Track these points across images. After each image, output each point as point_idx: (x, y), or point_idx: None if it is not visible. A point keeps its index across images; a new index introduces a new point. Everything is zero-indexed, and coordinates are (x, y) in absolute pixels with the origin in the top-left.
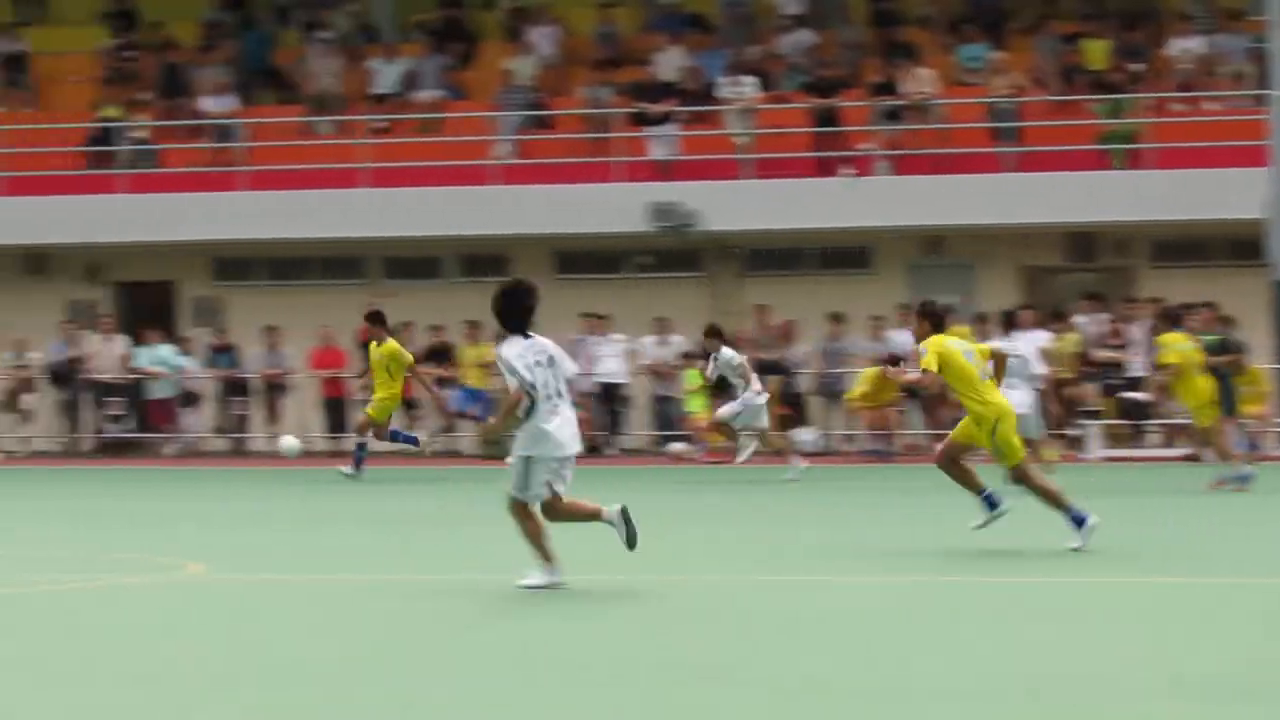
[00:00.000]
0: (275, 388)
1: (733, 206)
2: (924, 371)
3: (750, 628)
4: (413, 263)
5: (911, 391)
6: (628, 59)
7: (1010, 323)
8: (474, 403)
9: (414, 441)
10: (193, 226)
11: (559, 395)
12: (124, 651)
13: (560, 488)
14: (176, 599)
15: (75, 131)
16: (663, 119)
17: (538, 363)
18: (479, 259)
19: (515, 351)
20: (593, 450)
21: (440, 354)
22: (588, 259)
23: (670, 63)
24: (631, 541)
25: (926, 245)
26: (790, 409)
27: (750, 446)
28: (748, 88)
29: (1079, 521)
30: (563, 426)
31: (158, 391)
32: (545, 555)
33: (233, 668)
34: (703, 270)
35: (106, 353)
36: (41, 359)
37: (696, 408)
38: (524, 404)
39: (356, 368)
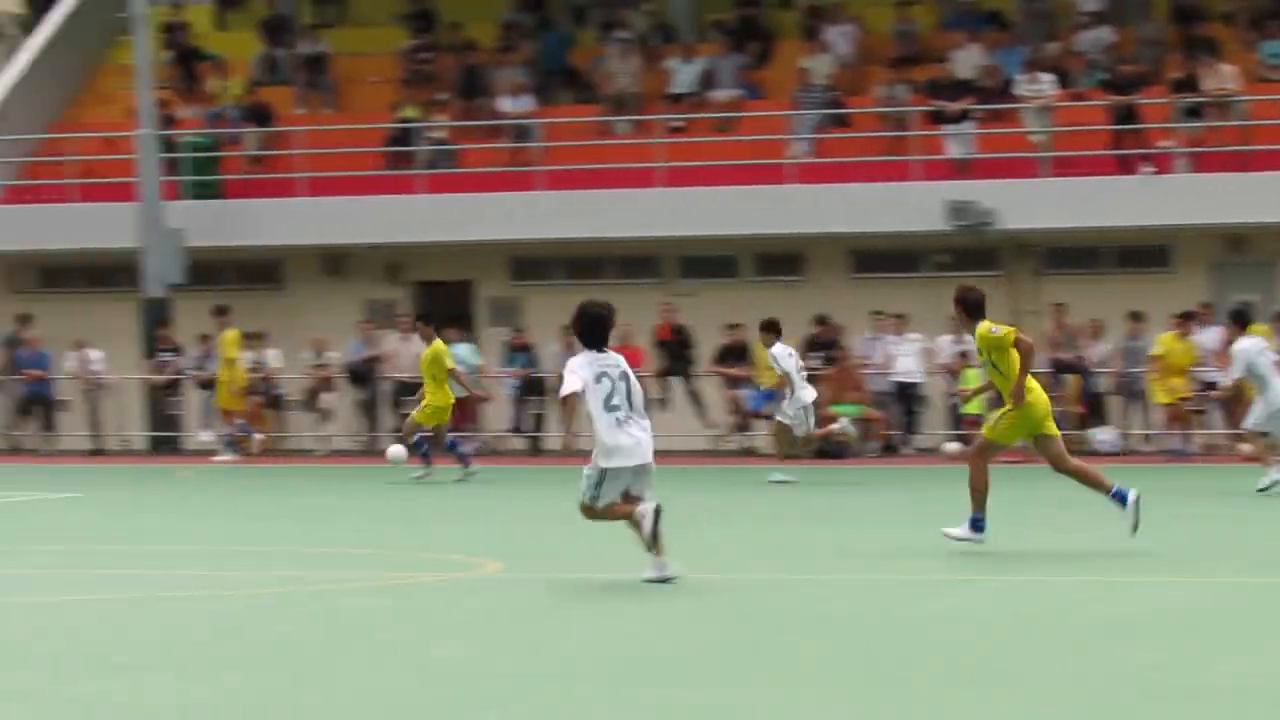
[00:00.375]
0: None
1: (1030, 205)
2: (1018, 341)
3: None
4: (708, 262)
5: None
6: (925, 57)
7: (1241, 322)
8: (769, 402)
9: (465, 461)
10: (490, 226)
11: (629, 407)
12: (416, 649)
13: (647, 493)
14: (473, 597)
15: (374, 132)
16: (960, 117)
17: (604, 374)
18: (775, 258)
19: (579, 361)
20: (888, 450)
21: (735, 353)
22: (884, 258)
23: (968, 60)
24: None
25: (1227, 244)
26: (1088, 408)
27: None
28: (1046, 85)
29: (976, 526)
30: (635, 440)
31: (455, 390)
32: (628, 514)
33: (523, 666)
34: (1000, 269)
35: (405, 352)
36: (340, 358)
37: (975, 409)
38: (582, 409)
39: (654, 366)
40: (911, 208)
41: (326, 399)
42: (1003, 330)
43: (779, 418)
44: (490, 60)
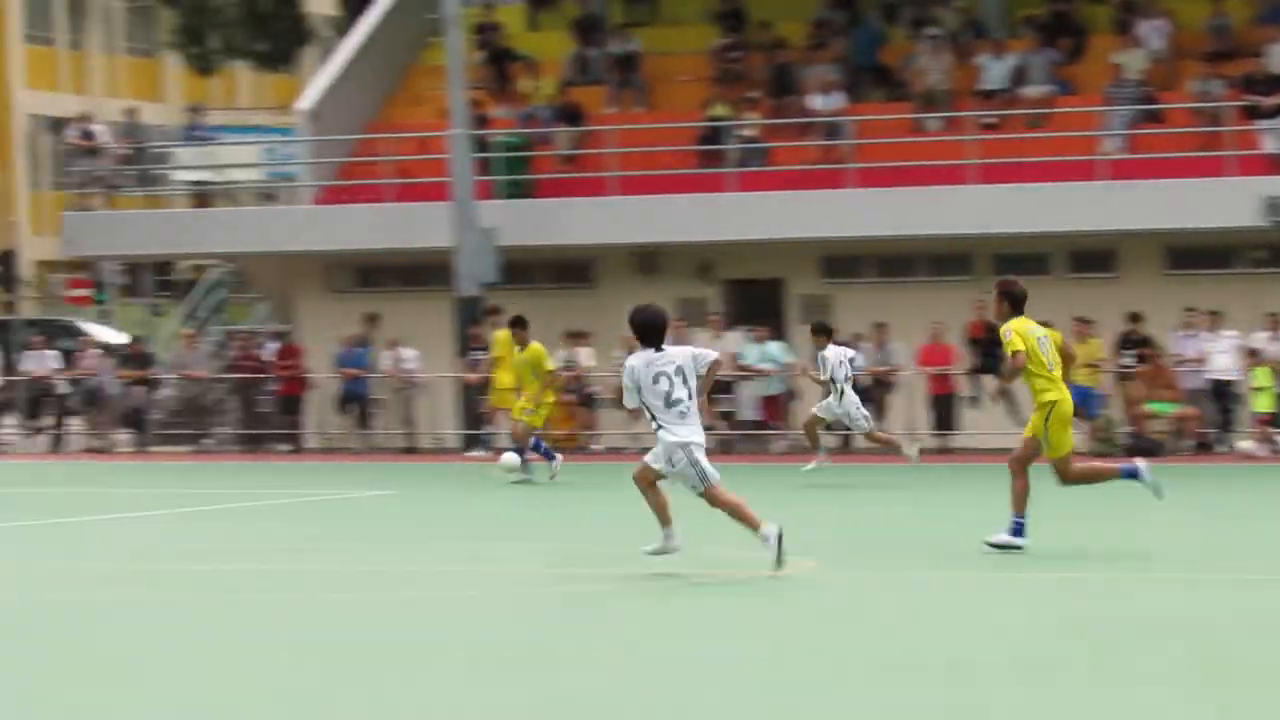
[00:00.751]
0: (883, 384)
1: None
2: (1014, 355)
3: None
4: (1021, 259)
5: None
6: (1239, 51)
7: None
8: (1084, 400)
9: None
10: (801, 224)
11: (689, 398)
12: (733, 646)
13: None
14: (782, 595)
15: (685, 131)
16: (1275, 112)
17: (661, 373)
18: (1087, 255)
19: (636, 363)
20: (1202, 448)
21: None
22: (1198, 254)
23: None
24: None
25: None
26: None
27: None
28: None
29: (1153, 488)
30: (693, 431)
31: (767, 388)
32: (755, 524)
33: (843, 665)
34: None
35: (716, 350)
36: None
37: (1263, 406)
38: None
39: (966, 365)
40: (1226, 203)
41: None
42: (1007, 345)
43: (815, 410)
44: (800, 58)
